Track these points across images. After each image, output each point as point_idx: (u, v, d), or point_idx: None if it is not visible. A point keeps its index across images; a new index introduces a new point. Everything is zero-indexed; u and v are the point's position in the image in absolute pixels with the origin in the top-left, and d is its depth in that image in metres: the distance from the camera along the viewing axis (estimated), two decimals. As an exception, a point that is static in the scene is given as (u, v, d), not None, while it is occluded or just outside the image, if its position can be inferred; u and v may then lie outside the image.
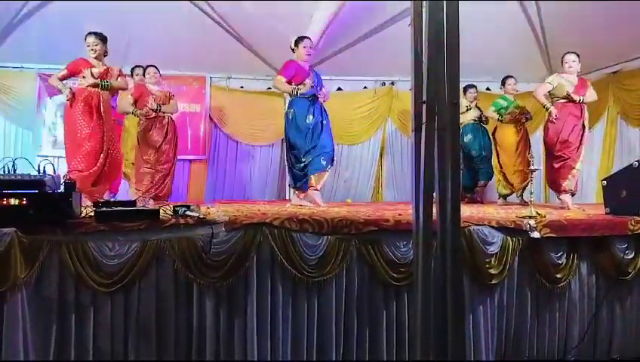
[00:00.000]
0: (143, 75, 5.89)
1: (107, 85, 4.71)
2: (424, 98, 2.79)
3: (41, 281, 2.88)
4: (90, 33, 4.76)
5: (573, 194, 5.24)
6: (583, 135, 5.18)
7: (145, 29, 6.65)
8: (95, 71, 4.70)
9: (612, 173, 4.89)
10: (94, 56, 4.74)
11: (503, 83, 6.60)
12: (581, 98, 5.20)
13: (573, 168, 5.09)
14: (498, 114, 6.41)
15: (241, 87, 7.80)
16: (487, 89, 7.76)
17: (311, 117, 4.97)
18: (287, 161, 5.22)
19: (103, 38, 4.76)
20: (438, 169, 2.74)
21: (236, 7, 6.44)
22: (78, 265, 2.88)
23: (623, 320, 3.69)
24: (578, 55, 5.35)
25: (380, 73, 7.85)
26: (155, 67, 5.79)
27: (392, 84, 7.93)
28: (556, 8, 6.50)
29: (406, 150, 7.83)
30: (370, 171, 8.09)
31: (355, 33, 6.79)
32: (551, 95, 5.30)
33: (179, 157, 7.35)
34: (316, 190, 5.03)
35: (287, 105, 5.24)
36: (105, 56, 4.85)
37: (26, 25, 6.53)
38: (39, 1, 6.28)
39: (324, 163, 4.99)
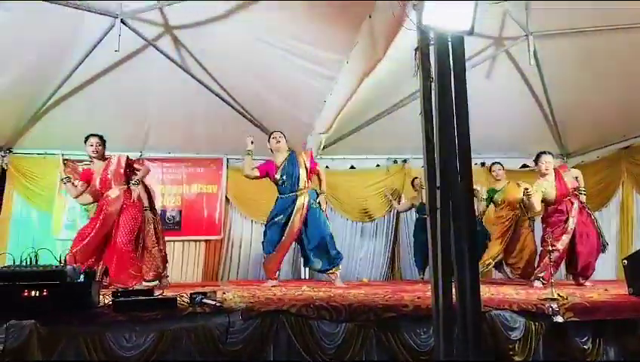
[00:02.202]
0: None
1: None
2: (438, 183, 2.84)
3: (57, 374, 2.85)
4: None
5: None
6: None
7: (164, 114, 6.92)
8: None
9: (632, 251, 4.81)
10: (95, 156, 4.99)
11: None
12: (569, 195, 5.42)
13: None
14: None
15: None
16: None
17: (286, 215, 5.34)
18: None
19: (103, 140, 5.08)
20: (455, 253, 2.74)
21: (252, 92, 6.70)
22: (95, 357, 2.85)
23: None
24: (552, 153, 5.66)
25: (391, 151, 8.01)
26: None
27: (404, 161, 8.06)
28: (563, 85, 6.68)
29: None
30: (386, 248, 8.06)
31: (367, 114, 6.99)
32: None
33: (195, 237, 7.49)
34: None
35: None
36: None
37: (51, 113, 6.85)
38: (66, 91, 6.60)
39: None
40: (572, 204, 5.38)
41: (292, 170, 5.45)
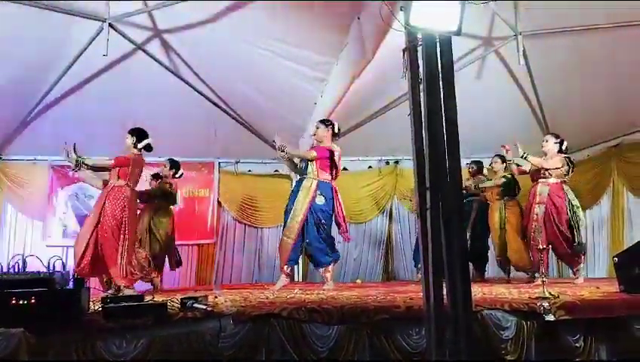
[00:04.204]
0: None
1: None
2: (428, 184, 2.84)
3: (47, 383, 2.81)
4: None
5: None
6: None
7: (154, 118, 6.85)
8: None
9: (623, 249, 4.82)
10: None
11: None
12: None
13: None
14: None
15: (249, 171, 7.97)
16: (490, 165, 7.85)
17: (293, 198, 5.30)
18: None
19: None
20: (446, 254, 2.74)
21: (242, 95, 6.69)
22: (85, 365, 2.82)
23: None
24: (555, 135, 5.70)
25: (383, 153, 8.02)
26: None
27: (396, 163, 8.07)
28: (552, 85, 6.71)
29: (413, 226, 7.83)
30: (379, 248, 8.07)
31: (358, 116, 6.99)
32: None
33: (188, 241, 7.44)
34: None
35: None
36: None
37: (40, 119, 6.81)
38: (54, 97, 6.56)
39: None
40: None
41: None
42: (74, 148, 4.74)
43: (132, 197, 4.83)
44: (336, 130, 5.46)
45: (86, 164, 4.80)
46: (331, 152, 5.36)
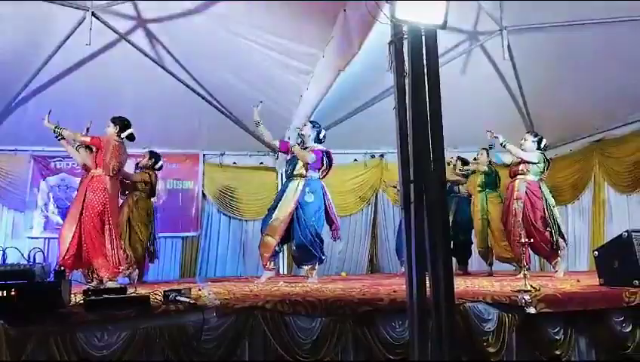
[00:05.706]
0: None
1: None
2: (412, 177, 2.85)
3: (27, 375, 2.78)
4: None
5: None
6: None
7: (138, 109, 6.78)
8: None
9: (604, 243, 4.89)
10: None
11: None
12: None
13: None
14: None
15: (234, 163, 7.92)
16: (475, 158, 7.89)
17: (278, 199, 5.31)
18: None
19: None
20: (429, 247, 2.75)
21: (228, 87, 6.63)
22: (65, 357, 2.79)
23: (627, 396, 3.58)
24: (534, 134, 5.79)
25: (369, 146, 8.03)
26: None
27: (382, 156, 8.09)
28: (536, 80, 6.76)
29: (398, 219, 7.86)
30: (364, 242, 8.10)
31: (344, 109, 6.98)
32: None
33: (171, 234, 7.39)
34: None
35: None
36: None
37: (21, 109, 6.69)
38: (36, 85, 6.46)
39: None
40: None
41: (293, 157, 5.39)
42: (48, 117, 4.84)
43: (113, 185, 4.78)
44: (321, 137, 5.41)
45: (62, 136, 4.84)
46: (324, 153, 5.37)
